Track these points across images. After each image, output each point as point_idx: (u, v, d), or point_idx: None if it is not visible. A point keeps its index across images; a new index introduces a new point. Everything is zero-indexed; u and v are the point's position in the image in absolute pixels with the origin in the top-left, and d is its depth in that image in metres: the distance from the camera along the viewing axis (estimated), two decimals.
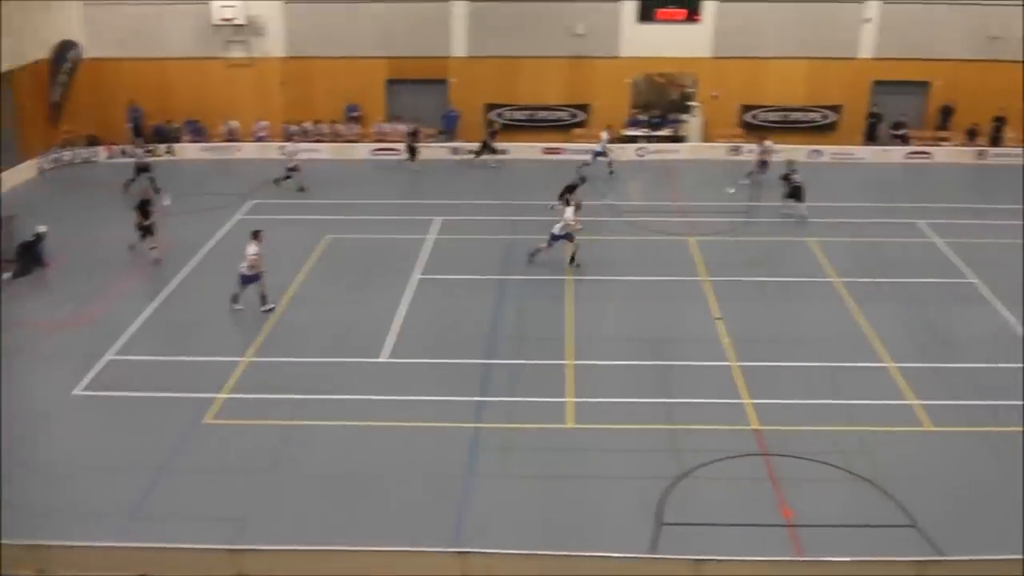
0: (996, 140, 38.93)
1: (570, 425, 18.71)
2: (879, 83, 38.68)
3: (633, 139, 38.34)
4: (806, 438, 18.37)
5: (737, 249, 28.20)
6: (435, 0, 37.43)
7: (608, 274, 26.06)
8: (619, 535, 15.49)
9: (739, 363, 21.16)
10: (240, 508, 16.07)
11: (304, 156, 35.16)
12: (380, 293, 24.64)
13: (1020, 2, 37.70)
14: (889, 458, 17.84)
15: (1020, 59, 38.55)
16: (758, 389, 20.06)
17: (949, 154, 38.43)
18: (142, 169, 32.42)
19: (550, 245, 25.95)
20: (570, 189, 29.23)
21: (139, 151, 35.12)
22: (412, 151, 36.08)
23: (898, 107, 38.90)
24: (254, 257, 22.99)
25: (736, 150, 37.76)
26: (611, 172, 35.21)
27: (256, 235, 23.42)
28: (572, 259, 26.10)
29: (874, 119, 38.90)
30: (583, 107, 38.64)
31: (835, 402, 19.70)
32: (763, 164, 33.75)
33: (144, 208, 26.57)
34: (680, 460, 17.60)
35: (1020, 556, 14.52)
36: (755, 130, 38.31)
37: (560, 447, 17.99)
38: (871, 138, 38.83)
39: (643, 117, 39.24)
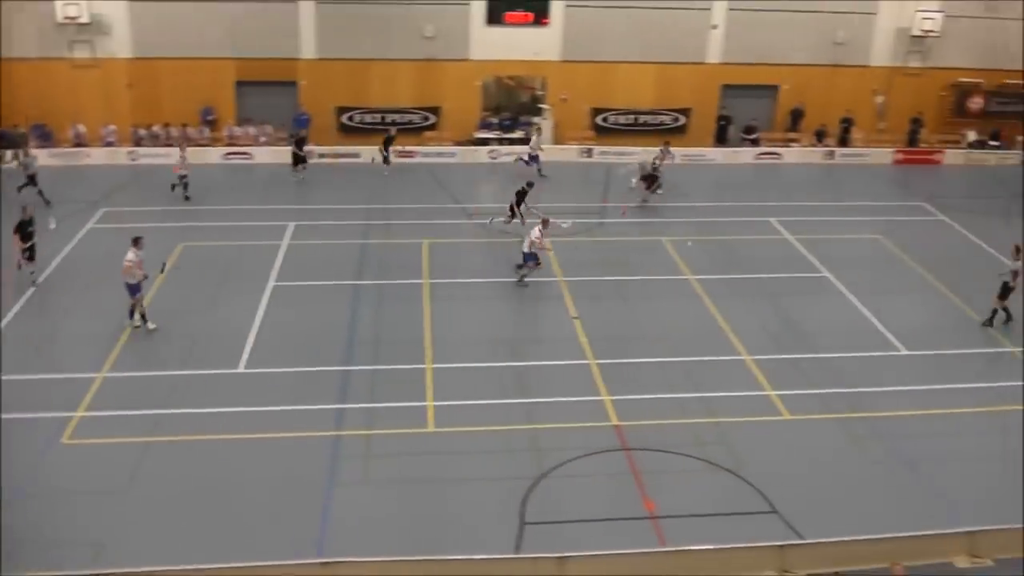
0: (844, 141, 40.76)
1: (431, 429, 18.55)
2: (728, 87, 39.93)
3: (484, 142, 38.45)
4: (666, 432, 18.69)
5: (593, 249, 28.53)
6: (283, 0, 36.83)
7: (464, 276, 26.00)
8: (483, 537, 15.44)
9: (597, 361, 21.37)
10: (97, 531, 15.39)
11: (152, 161, 33.85)
12: (236, 302, 24.00)
13: (865, 10, 39.74)
14: (749, 447, 18.31)
15: (866, 63, 40.58)
16: (617, 386, 20.31)
17: (799, 155, 39.99)
18: (30, 178, 30.75)
19: (526, 264, 25.47)
20: (521, 196, 28.98)
21: (27, 159, 32.55)
22: (298, 159, 35.37)
23: (749, 110, 40.21)
24: (128, 264, 21.90)
25: (588, 152, 38.26)
26: (529, 168, 35.65)
27: (136, 242, 22.26)
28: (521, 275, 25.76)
29: (724, 122, 40.12)
30: (434, 110, 38.57)
31: (694, 395, 20.12)
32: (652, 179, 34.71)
33: (24, 230, 24.68)
34: (541, 459, 17.65)
35: (876, 536, 15.08)
36: (609, 133, 38.99)
37: (421, 451, 17.82)
38: (721, 140, 40.00)
39: (494, 120, 39.43)
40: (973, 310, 25.28)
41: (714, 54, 39.58)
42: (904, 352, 22.75)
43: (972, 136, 42.10)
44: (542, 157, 35.67)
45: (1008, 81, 42.08)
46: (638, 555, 14.51)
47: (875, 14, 40.25)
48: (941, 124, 42.32)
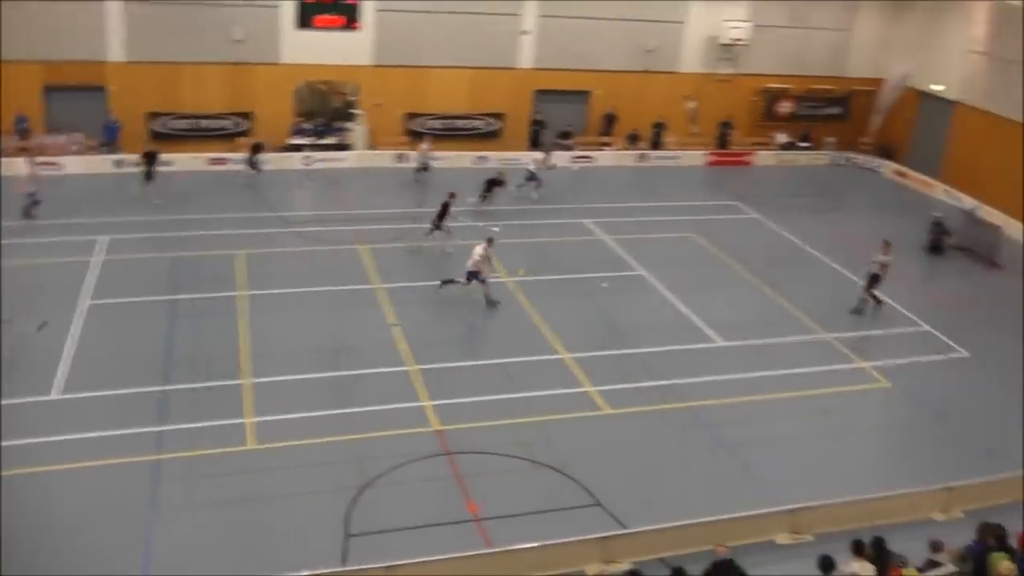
0: (657, 144, 42.16)
1: (251, 446, 18.13)
2: (541, 92, 40.63)
3: (299, 148, 37.86)
4: (488, 433, 18.89)
5: (408, 255, 28.49)
6: None
7: (281, 287, 25.48)
8: (309, 552, 15.21)
9: (417, 366, 21.36)
10: None
11: None
12: (48, 324, 22.76)
13: (673, 19, 41.30)
14: (570, 444, 18.71)
15: (676, 70, 42.09)
16: (438, 390, 20.38)
17: (613, 158, 41.11)
18: None
19: (468, 281, 24.98)
20: (444, 212, 28.61)
21: None
22: (253, 165, 34.05)
23: (563, 115, 41.04)
24: None
25: (402, 158, 38.22)
26: (417, 179, 35.79)
27: None
28: (488, 300, 25.12)
29: (537, 126, 40.84)
30: (246, 115, 37.67)
31: (514, 396, 20.40)
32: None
33: None
34: (365, 469, 17.54)
35: (698, 520, 15.57)
36: (421, 137, 39.12)
37: (243, 470, 17.41)
38: (535, 144, 40.62)
39: (308, 126, 38.89)
40: (788, 301, 26.51)
41: (526, 60, 40.24)
42: (722, 344, 23.72)
43: (782, 138, 44.32)
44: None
45: (815, 87, 44.70)
46: (464, 558, 14.59)
47: (683, 23, 41.88)
48: (752, 127, 44.34)
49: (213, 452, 17.85)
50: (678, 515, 15.84)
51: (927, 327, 25.94)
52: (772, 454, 18.97)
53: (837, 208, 37.48)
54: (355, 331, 23.27)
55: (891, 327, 25.77)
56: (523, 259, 28.35)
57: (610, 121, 41.89)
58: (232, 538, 15.63)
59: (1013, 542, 13.42)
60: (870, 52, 44.76)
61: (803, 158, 44.01)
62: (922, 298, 28.05)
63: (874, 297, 26.45)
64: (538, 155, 36.07)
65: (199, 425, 18.65)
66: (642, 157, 41.50)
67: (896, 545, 13.84)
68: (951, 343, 25.07)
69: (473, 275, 24.82)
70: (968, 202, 36.41)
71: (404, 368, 21.28)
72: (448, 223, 28.66)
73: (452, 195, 29.14)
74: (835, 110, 45.43)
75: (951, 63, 40.81)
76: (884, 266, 26.13)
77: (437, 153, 36.64)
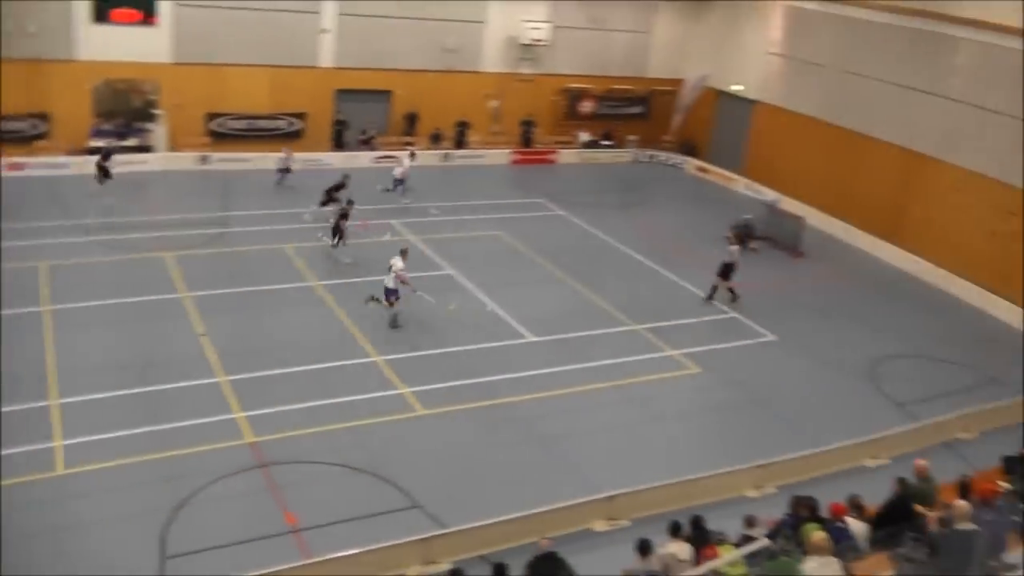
0: (460, 143, 42.48)
1: (61, 471, 17.15)
2: (343, 91, 40.24)
3: (99, 150, 36.16)
4: (303, 442, 18.54)
5: (215, 261, 27.77)
6: None
7: (86, 299, 24.26)
8: None
9: (228, 377, 20.77)
10: None
11: None
12: None
13: (472, 18, 41.66)
14: (386, 447, 18.62)
15: (478, 69, 42.50)
16: (250, 401, 19.86)
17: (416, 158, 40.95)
18: None
19: (387, 299, 24.07)
20: (343, 216, 28.63)
21: None
22: (103, 171, 32.22)
23: (365, 114, 40.80)
24: None
25: (205, 160, 37.19)
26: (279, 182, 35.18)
27: None
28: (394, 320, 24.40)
29: (340, 126, 40.47)
30: (44, 116, 35.62)
31: (328, 402, 20.08)
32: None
33: None
34: (179, 487, 16.89)
35: (517, 515, 15.78)
36: (225, 139, 38.14)
37: (54, 497, 16.44)
38: (339, 144, 40.30)
39: (108, 126, 37.17)
40: (597, 295, 27.21)
41: (327, 58, 39.80)
42: (533, 339, 24.09)
43: (585, 137, 45.41)
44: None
45: (616, 87, 46.02)
46: (283, 571, 14.25)
47: (484, 23, 42.34)
48: (555, 126, 45.24)
49: (21, 481, 16.72)
50: (497, 511, 15.92)
51: (734, 314, 27.16)
52: (588, 445, 19.42)
53: (641, 204, 38.67)
54: (163, 343, 22.36)
55: (700, 316, 26.83)
56: (321, 260, 28.11)
57: (412, 120, 41.93)
58: (43, 570, 14.73)
59: (826, 513, 14.16)
60: (669, 53, 46.52)
61: (606, 156, 45.28)
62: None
63: (730, 290, 27.84)
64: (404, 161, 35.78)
65: (4, 453, 17.39)
66: (446, 156, 41.75)
67: (713, 523, 14.33)
68: (759, 328, 26.34)
69: (392, 292, 24.05)
70: (770, 195, 38.40)
71: (215, 379, 20.61)
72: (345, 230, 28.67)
73: (351, 202, 29.54)
74: (636, 109, 46.92)
75: (749, 64, 42.86)
76: (733, 255, 27.74)
77: (242, 155, 35.74)
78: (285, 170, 35.87)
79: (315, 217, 31.79)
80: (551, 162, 43.87)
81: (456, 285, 27.30)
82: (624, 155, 45.66)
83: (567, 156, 44.31)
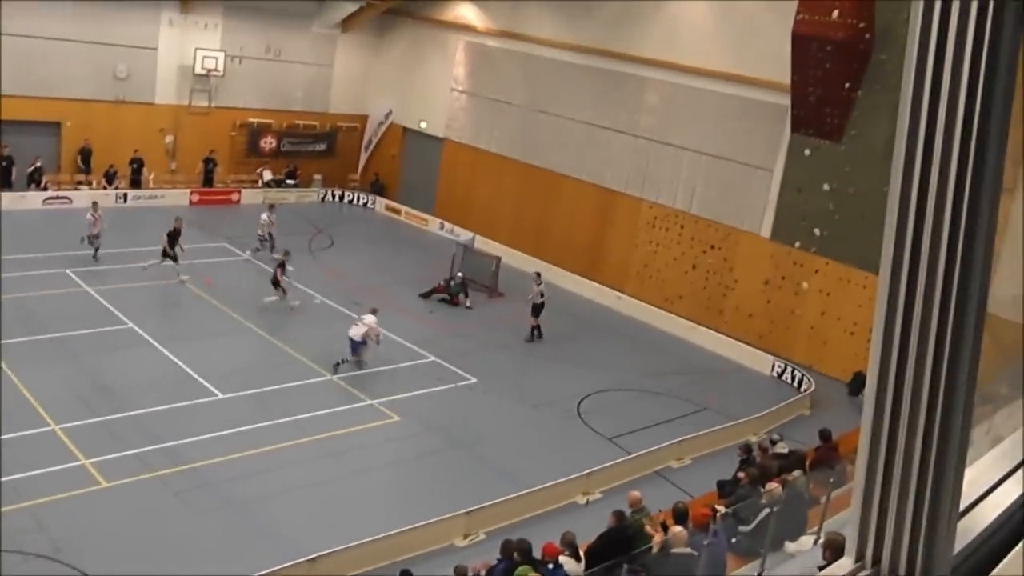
0: (136, 182, 41.02)
1: None
2: (8, 123, 37.57)
3: None
4: None
5: None
6: None
7: None
8: None
9: None
10: None
11: None
12: None
13: (143, 44, 40.46)
14: (67, 526, 17.64)
15: (152, 101, 41.39)
16: None
17: (91, 198, 39.03)
18: None
19: (355, 353, 25.52)
20: (282, 267, 29.84)
21: None
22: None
23: (33, 149, 38.55)
24: None
25: None
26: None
27: None
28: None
29: (7, 162, 38.01)
30: None
31: (3, 479, 18.80)
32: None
33: None
34: None
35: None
36: None
37: None
38: (7, 183, 37.80)
39: None
40: (288, 345, 27.15)
41: None
42: (221, 396, 23.67)
43: (268, 175, 45.04)
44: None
45: (299, 122, 46.05)
46: None
47: (156, 49, 41.22)
48: (237, 164, 44.67)
49: None
50: None
51: (433, 358, 27.86)
52: (288, 505, 19.29)
53: (330, 247, 38.95)
54: None
55: (397, 362, 27.28)
56: None
57: (86, 156, 40.01)
58: None
59: (539, 554, 14.81)
60: (353, 87, 47.19)
61: (291, 195, 45.07)
62: (427, 330, 30.02)
63: (536, 327, 30.11)
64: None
65: None
66: (123, 197, 40.20)
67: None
68: (459, 371, 27.14)
69: (360, 345, 25.34)
70: (465, 235, 39.55)
71: None
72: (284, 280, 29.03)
73: (287, 253, 30.07)
74: (321, 146, 47.21)
75: (434, 100, 44.22)
76: (542, 295, 30.17)
77: None
78: (265, 240, 34.80)
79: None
80: (234, 203, 43.28)
81: (137, 339, 26.37)
82: (310, 194, 45.74)
83: (250, 196, 43.76)
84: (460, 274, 34.40)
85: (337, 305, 31.17)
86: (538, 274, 31.23)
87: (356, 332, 25.61)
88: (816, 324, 31.50)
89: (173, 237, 31.41)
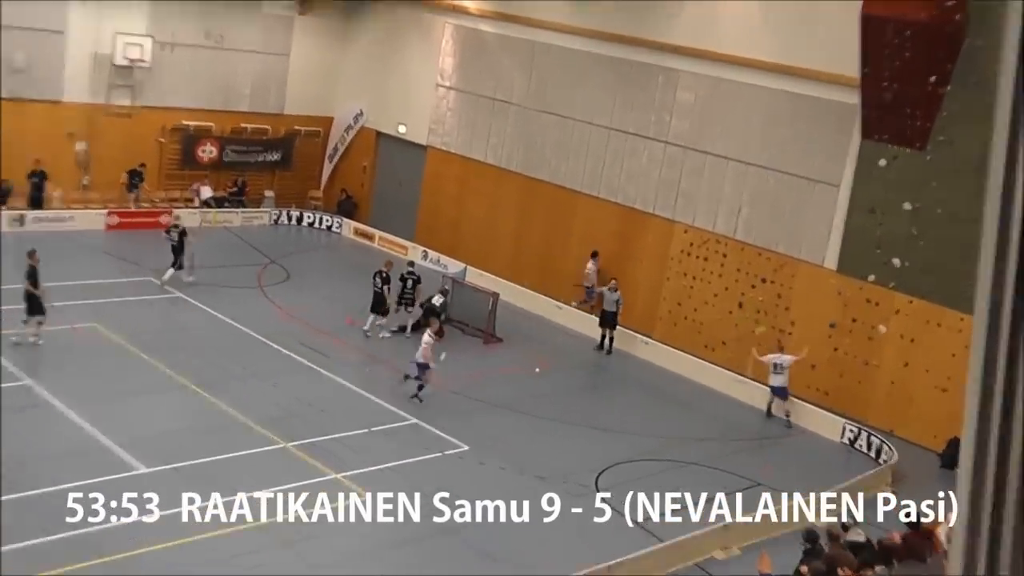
0: (38, 201, 40.82)
1: None
2: None
3: None
4: None
5: None
6: None
7: None
8: None
9: None
10: None
11: None
12: None
13: (47, 27, 40.29)
14: None
15: (59, 99, 41.24)
16: None
17: None
18: None
19: (421, 375, 28.58)
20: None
21: None
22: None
23: None
24: None
25: None
26: None
27: None
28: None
29: None
30: None
31: None
32: None
33: None
34: None
35: None
36: None
37: None
38: None
39: None
40: (229, 404, 26.84)
41: None
42: (145, 470, 23.29)
43: (207, 192, 44.88)
44: None
45: (244, 125, 45.96)
46: None
47: (63, 33, 40.92)
48: (168, 178, 44.54)
49: None
50: None
51: (414, 419, 27.61)
52: None
53: (285, 281, 38.76)
54: None
55: (368, 425, 27.00)
56: None
57: None
58: None
59: None
60: (315, 82, 47.23)
61: (237, 217, 45.02)
62: (409, 387, 29.71)
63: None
64: None
65: None
66: (20, 220, 39.93)
67: None
68: (446, 436, 26.88)
69: (425, 367, 28.52)
70: (454, 265, 39.20)
71: None
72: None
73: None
74: (275, 156, 47.15)
75: (416, 98, 44.21)
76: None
77: None
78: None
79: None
80: (163, 226, 43.02)
81: (38, 401, 26.02)
82: (261, 216, 45.65)
83: (186, 218, 43.51)
84: (446, 288, 35.20)
85: (290, 352, 30.89)
86: (614, 280, 33.57)
87: (418, 354, 29.03)
88: (897, 378, 31.27)
89: (32, 276, 30.06)
